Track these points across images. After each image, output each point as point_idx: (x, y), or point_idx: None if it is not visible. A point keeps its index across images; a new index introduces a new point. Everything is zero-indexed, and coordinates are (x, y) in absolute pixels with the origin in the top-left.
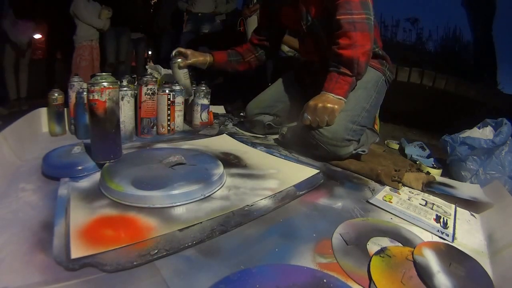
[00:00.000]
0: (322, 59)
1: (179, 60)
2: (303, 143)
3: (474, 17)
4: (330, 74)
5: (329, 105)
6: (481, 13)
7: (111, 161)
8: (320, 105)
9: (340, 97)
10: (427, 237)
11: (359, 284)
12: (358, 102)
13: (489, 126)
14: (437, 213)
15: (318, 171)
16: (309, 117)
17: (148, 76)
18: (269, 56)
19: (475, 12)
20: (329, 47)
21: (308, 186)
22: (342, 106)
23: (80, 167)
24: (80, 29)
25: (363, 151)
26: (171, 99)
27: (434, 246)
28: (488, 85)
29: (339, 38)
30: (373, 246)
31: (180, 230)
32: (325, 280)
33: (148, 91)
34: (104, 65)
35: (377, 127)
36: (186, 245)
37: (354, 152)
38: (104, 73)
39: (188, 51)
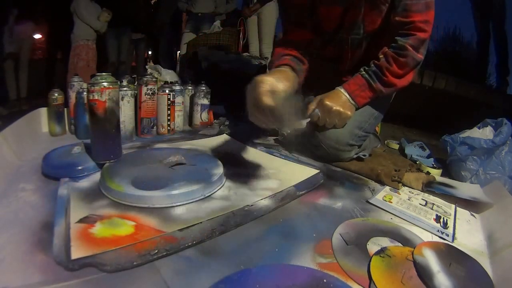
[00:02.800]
0: (348, 68)
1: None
2: (304, 142)
3: (484, 16)
4: (360, 78)
5: (344, 110)
6: (495, 12)
7: (111, 161)
8: (336, 108)
9: (356, 104)
10: (427, 237)
11: (359, 284)
12: (368, 108)
13: (489, 126)
14: (437, 213)
15: (318, 171)
16: (319, 114)
17: (148, 76)
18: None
19: (487, 11)
20: (361, 62)
21: (308, 186)
22: (353, 113)
23: (80, 167)
24: (78, 27)
25: (364, 155)
26: (171, 99)
27: (434, 246)
28: (498, 86)
29: (395, 62)
30: (373, 246)
31: (180, 230)
32: (325, 280)
33: (148, 91)
34: (105, 65)
35: (378, 129)
36: (186, 245)
37: (355, 156)
38: (104, 73)
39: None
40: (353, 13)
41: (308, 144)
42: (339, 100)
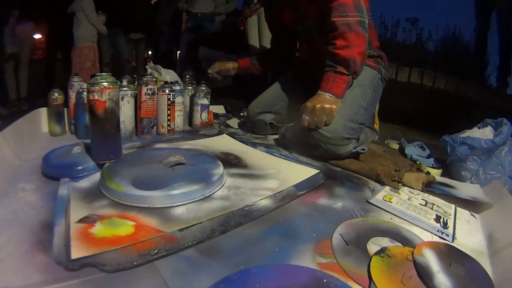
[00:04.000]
0: (318, 60)
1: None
2: (303, 143)
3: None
4: (326, 74)
5: (327, 105)
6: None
7: (111, 161)
8: (318, 106)
9: (337, 96)
10: (427, 237)
11: (359, 284)
12: (355, 101)
13: (489, 126)
14: (437, 213)
15: (318, 171)
16: (307, 118)
17: (148, 76)
18: (288, 57)
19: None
20: (324, 50)
21: (308, 186)
22: (339, 106)
23: (80, 167)
24: (83, 29)
25: (363, 149)
26: (171, 99)
27: (434, 246)
28: (498, 86)
29: (335, 39)
30: (373, 246)
31: (180, 230)
32: (325, 280)
33: (148, 91)
34: (107, 66)
35: (376, 126)
36: (186, 245)
37: (353, 150)
38: (104, 73)
39: (217, 63)
40: (298, 11)
41: (307, 146)
42: (319, 99)
